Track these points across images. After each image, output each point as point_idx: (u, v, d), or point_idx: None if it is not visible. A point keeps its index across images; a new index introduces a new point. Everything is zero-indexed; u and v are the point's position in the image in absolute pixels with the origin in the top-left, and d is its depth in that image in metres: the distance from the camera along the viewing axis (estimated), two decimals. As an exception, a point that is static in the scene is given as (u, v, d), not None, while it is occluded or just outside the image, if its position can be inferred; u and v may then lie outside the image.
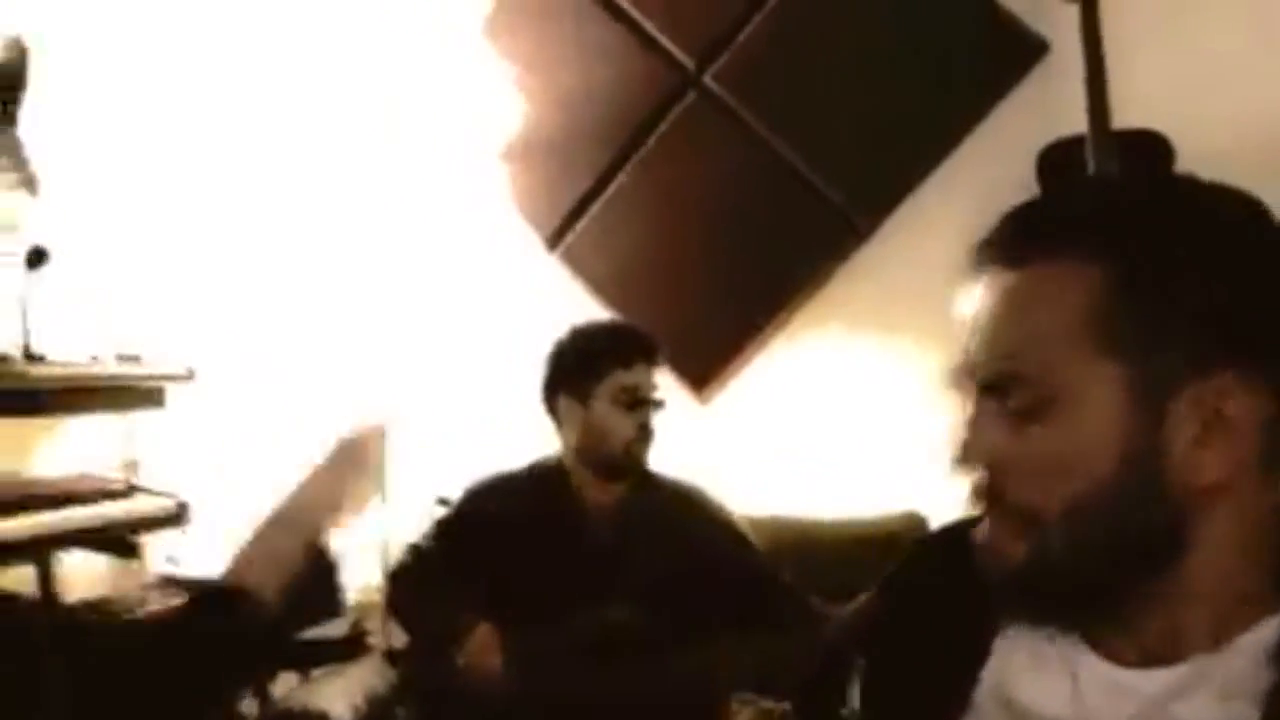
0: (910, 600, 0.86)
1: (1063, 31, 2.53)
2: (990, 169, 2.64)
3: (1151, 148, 2.47)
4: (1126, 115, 2.46)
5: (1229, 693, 0.69)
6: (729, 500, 2.30)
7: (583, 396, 2.17)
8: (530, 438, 2.96)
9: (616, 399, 2.14)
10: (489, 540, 2.17)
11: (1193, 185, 0.74)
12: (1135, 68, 2.47)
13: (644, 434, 2.15)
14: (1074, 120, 2.50)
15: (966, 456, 0.73)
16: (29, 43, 2.49)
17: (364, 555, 3.01)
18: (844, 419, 2.83)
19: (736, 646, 2.05)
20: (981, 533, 0.74)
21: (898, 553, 2.78)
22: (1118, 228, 0.71)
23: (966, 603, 0.80)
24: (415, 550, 2.29)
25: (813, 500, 2.71)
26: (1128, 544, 0.70)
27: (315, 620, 2.76)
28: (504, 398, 3.06)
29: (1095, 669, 0.74)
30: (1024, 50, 2.61)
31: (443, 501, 2.99)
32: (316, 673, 2.74)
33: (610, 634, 2.07)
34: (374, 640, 2.88)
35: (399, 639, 2.76)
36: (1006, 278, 0.71)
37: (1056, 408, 0.69)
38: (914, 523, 2.62)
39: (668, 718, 2.03)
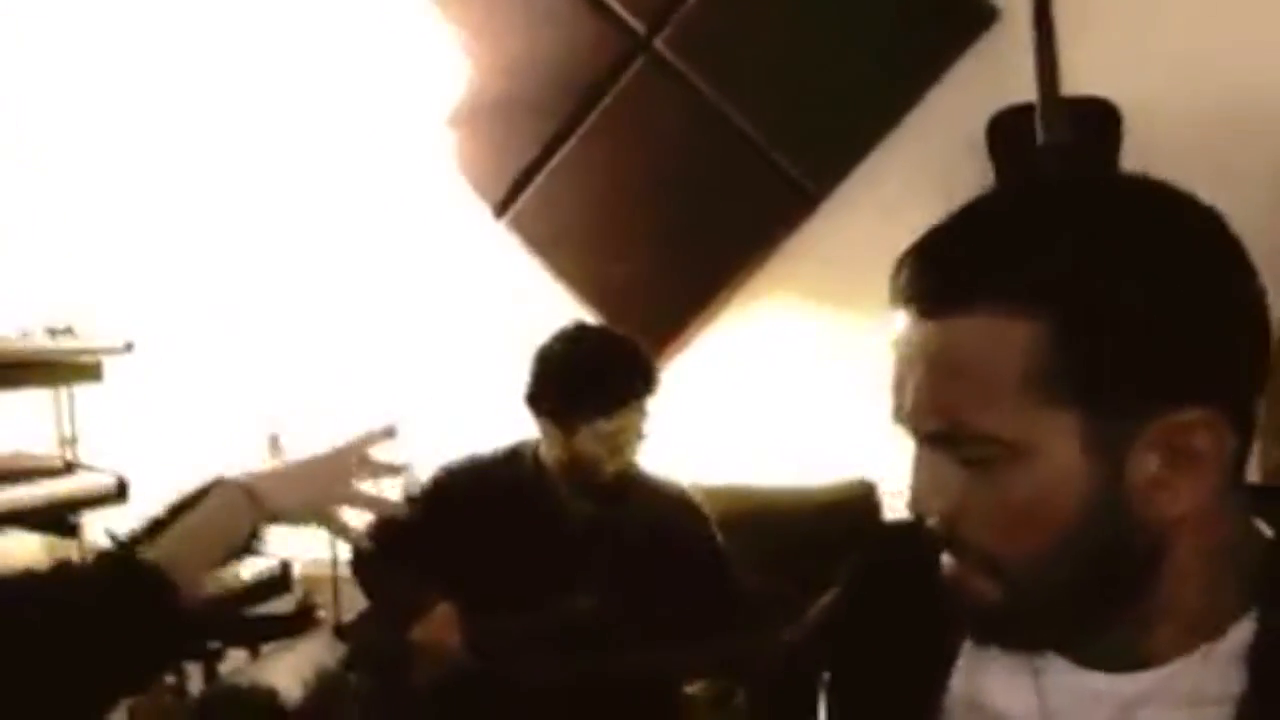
0: (875, 607, 0.85)
1: (1013, -1, 2.52)
2: (941, 136, 2.65)
3: (1100, 116, 2.48)
4: (1076, 83, 2.47)
5: (1200, 698, 0.69)
6: (680, 469, 2.29)
7: (565, 430, 2.07)
8: (479, 408, 2.94)
9: (601, 438, 2.05)
10: (458, 521, 2.13)
11: (1134, 203, 0.68)
12: (1085, 35, 2.47)
13: (628, 463, 2.10)
14: (1024, 88, 2.51)
15: (919, 504, 0.71)
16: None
17: (311, 531, 2.98)
18: (795, 387, 2.84)
19: (696, 645, 2.05)
20: (947, 566, 0.72)
21: (848, 520, 2.80)
22: (1051, 272, 0.65)
23: (933, 607, 0.79)
24: (380, 520, 2.24)
25: (763, 468, 2.71)
26: (1098, 580, 0.69)
27: (261, 597, 2.72)
28: (451, 368, 3.03)
29: (1064, 675, 0.74)
30: (974, 16, 2.60)
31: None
32: (265, 649, 2.72)
33: (573, 622, 2.06)
34: (323, 615, 2.85)
35: (348, 613, 2.74)
36: (935, 329, 0.67)
37: (1010, 461, 0.66)
38: (864, 490, 2.64)
39: (622, 706, 2.03)
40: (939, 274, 0.68)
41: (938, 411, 0.68)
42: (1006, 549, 0.68)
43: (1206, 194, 0.69)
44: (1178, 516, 0.67)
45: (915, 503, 0.72)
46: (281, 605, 2.78)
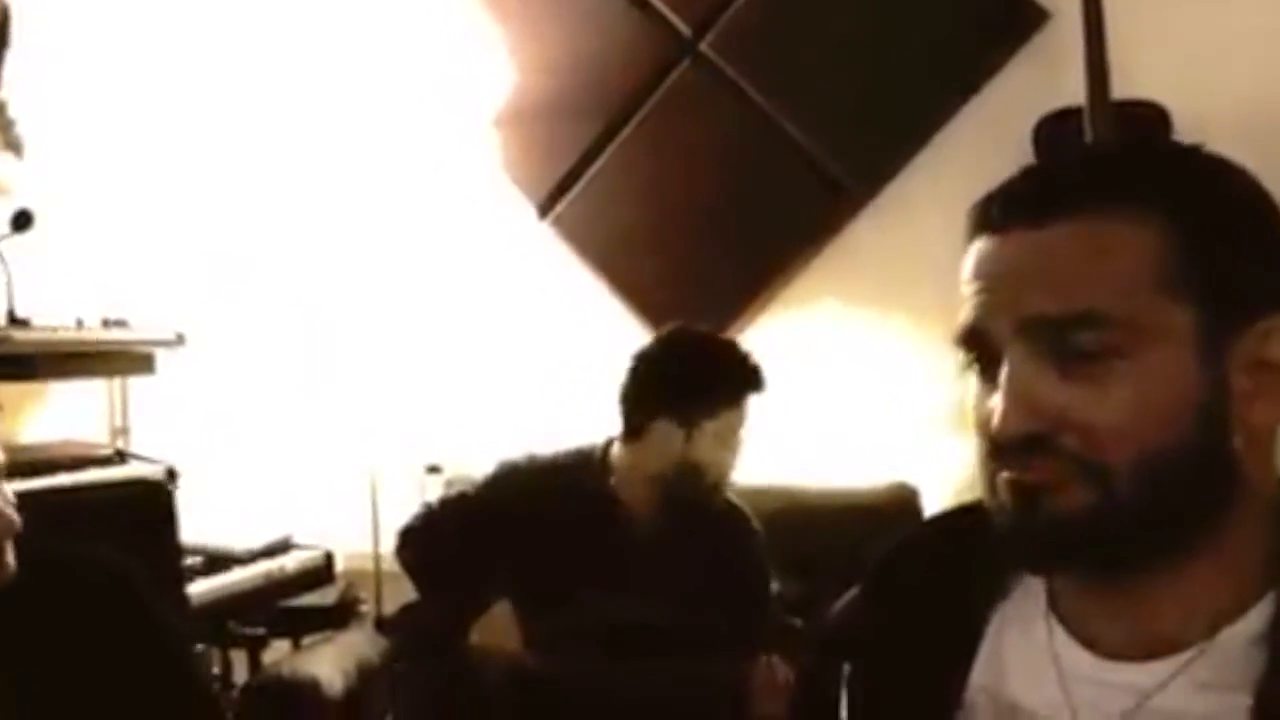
0: (897, 599, 0.84)
1: (1064, 0, 2.50)
2: (987, 138, 2.63)
3: (1150, 119, 2.45)
4: (1126, 86, 2.44)
5: (1222, 683, 0.69)
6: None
7: (688, 426, 2.07)
8: (520, 405, 2.97)
9: (722, 435, 2.06)
10: (515, 524, 2.13)
11: (1206, 151, 0.75)
12: (1135, 38, 2.45)
13: (735, 466, 2.13)
14: (1073, 90, 2.49)
15: (1018, 404, 0.68)
16: (11, 2, 2.45)
17: (354, 523, 3.03)
18: (835, 389, 2.83)
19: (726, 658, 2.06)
20: (1002, 490, 0.71)
21: (887, 523, 2.81)
22: (1173, 178, 0.72)
23: (955, 599, 0.79)
24: (429, 511, 2.26)
25: (805, 469, 2.71)
26: (1196, 489, 0.69)
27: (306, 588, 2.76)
28: (493, 366, 3.06)
29: (1085, 663, 0.74)
30: (1024, 18, 2.59)
31: (433, 469, 3.00)
32: (307, 640, 2.76)
33: (625, 628, 2.06)
34: (365, 607, 2.89)
35: (390, 606, 2.78)
36: (1059, 228, 0.69)
37: (1126, 355, 0.68)
38: (904, 493, 2.63)
39: (676, 714, 2.03)
40: (1067, 181, 0.72)
41: (1076, 295, 0.68)
42: (1115, 449, 0.68)
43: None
44: (1258, 430, 0.69)
45: (1013, 402, 0.69)
46: (324, 597, 2.81)
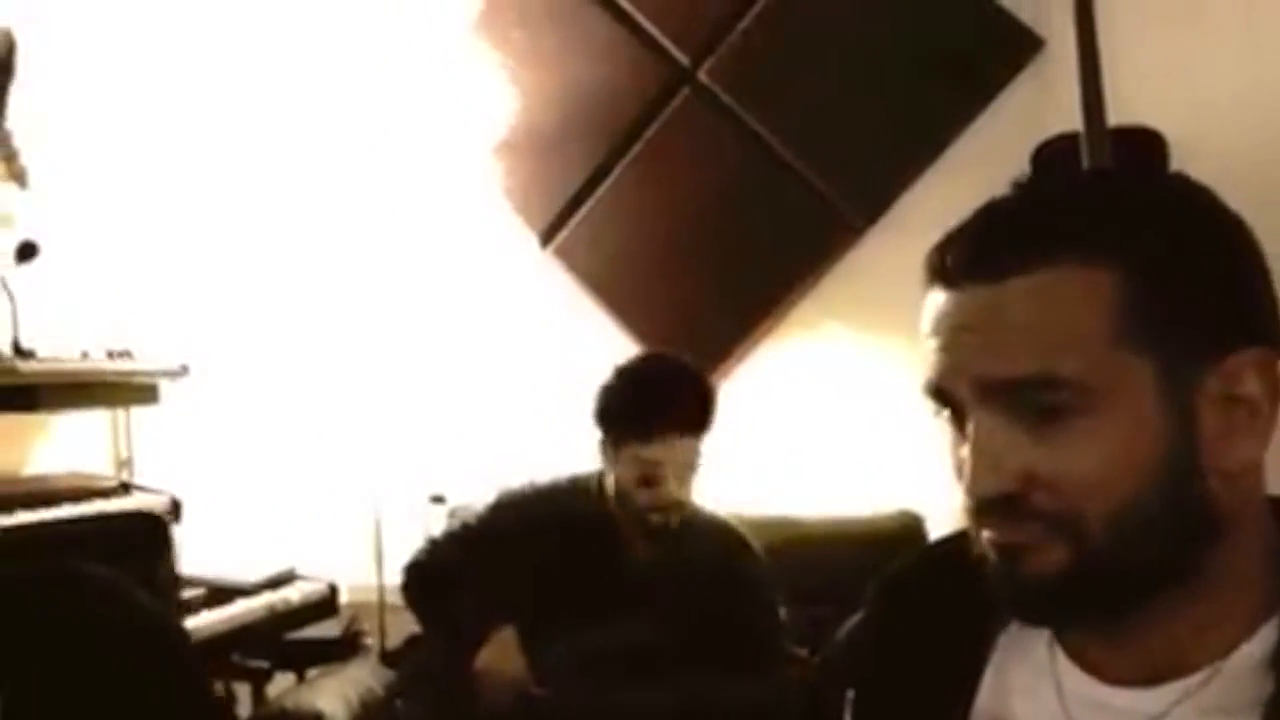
0: (900, 624, 0.84)
1: (1058, 27, 2.52)
2: (985, 165, 2.63)
3: (1147, 145, 2.46)
4: (1122, 112, 2.45)
5: (1228, 707, 0.69)
6: (722, 498, 2.29)
7: (609, 456, 2.08)
8: (522, 435, 2.97)
9: (632, 470, 2.03)
10: (517, 548, 2.12)
11: (1168, 178, 0.75)
12: (1131, 64, 2.45)
13: (662, 506, 2.06)
14: (1070, 117, 2.49)
15: (986, 466, 0.68)
16: (16, 34, 2.47)
17: (358, 555, 3.02)
18: (838, 417, 2.83)
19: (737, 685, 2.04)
20: (1000, 539, 0.70)
21: (892, 551, 2.79)
22: (1124, 223, 0.70)
23: (959, 624, 0.79)
24: (433, 545, 2.25)
25: (807, 498, 2.71)
26: (1171, 536, 0.68)
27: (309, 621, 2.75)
28: (496, 396, 3.06)
29: (1088, 688, 0.74)
30: (1019, 45, 2.61)
31: (437, 499, 2.99)
32: (312, 672, 2.74)
33: (627, 654, 2.05)
34: (369, 640, 2.87)
35: (394, 639, 2.76)
36: (1016, 283, 0.68)
37: (1089, 411, 0.67)
38: (909, 521, 2.62)
39: None
40: (1016, 233, 0.70)
41: (1033, 353, 0.67)
42: (1086, 505, 0.67)
43: (1251, 226, 0.73)
44: (1237, 469, 0.69)
45: (981, 465, 0.68)
46: (328, 629, 2.80)
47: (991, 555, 0.71)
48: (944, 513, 2.69)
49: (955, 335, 0.70)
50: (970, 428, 0.69)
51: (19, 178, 2.47)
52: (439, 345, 3.09)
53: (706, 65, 2.82)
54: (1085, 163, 2.48)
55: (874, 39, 2.70)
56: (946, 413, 0.72)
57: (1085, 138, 2.47)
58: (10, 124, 2.51)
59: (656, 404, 2.03)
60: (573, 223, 2.95)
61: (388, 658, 2.66)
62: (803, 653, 2.26)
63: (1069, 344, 0.67)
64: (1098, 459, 0.67)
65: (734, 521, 2.25)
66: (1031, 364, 0.67)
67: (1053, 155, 2.54)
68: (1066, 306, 0.68)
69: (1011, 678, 0.77)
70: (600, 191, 2.92)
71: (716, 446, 2.32)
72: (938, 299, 0.72)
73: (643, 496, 2.06)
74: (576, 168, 2.93)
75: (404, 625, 2.51)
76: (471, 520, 2.25)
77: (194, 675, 0.93)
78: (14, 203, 2.47)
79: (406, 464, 3.07)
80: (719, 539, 2.18)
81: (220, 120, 3.08)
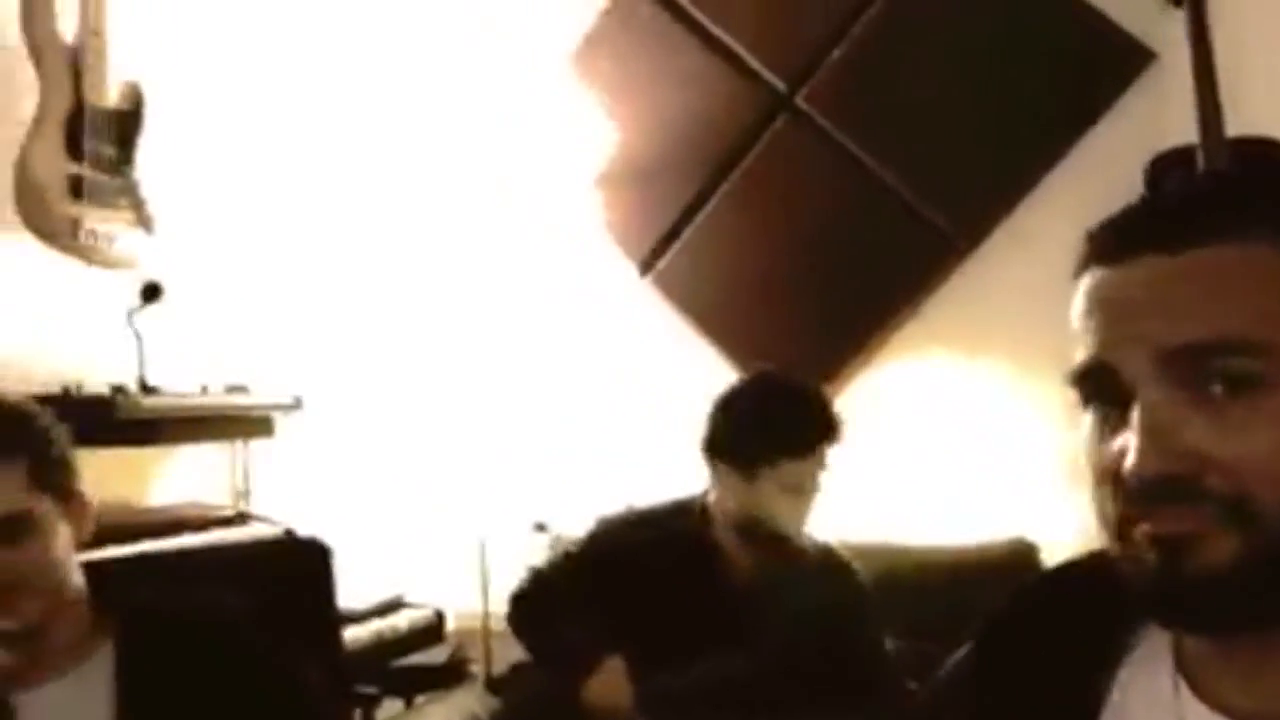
0: (1011, 660, 0.79)
1: (1170, 40, 2.44)
2: (1094, 182, 2.56)
3: (1267, 155, 2.36)
4: (1238, 123, 2.36)
5: None
6: (829, 525, 2.25)
7: (747, 475, 2.00)
8: (623, 462, 2.97)
9: (784, 486, 1.98)
10: (617, 579, 2.10)
11: None
12: (1246, 73, 2.36)
13: (803, 519, 2.04)
14: (1182, 131, 2.41)
15: (1163, 448, 0.63)
16: (144, 88, 2.60)
17: (464, 582, 3.05)
18: (945, 442, 2.76)
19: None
20: (1139, 547, 0.65)
21: (1005, 581, 2.72)
22: None
23: (1074, 662, 0.75)
24: (537, 574, 2.23)
25: (916, 526, 2.65)
26: None
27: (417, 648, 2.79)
28: (598, 424, 3.08)
29: None
30: (1130, 60, 2.53)
31: (540, 527, 3.02)
32: (419, 699, 2.77)
33: (733, 686, 2.02)
34: (475, 667, 2.90)
35: (499, 666, 2.78)
36: (1201, 254, 0.66)
37: (1276, 385, 0.63)
38: (1022, 549, 2.54)
39: None
40: (1198, 207, 0.68)
41: (1206, 321, 0.64)
42: (1259, 490, 0.63)
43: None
44: None
45: (1150, 443, 0.63)
46: (434, 656, 2.84)
47: (1146, 554, 0.65)
48: (1058, 540, 2.60)
49: (1128, 306, 0.66)
50: (1139, 405, 0.64)
51: (146, 224, 2.59)
52: (542, 374, 3.12)
53: (804, 90, 2.81)
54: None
55: (976, 56, 2.65)
56: (1093, 407, 0.68)
57: (1202, 150, 2.38)
58: (138, 173, 2.63)
59: (803, 417, 1.98)
60: (672, 251, 2.96)
61: (493, 684, 2.68)
62: (913, 686, 2.20)
63: (1263, 312, 0.64)
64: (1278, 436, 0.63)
65: (839, 548, 2.21)
66: (1219, 326, 0.64)
67: (1167, 171, 2.46)
68: (1256, 280, 0.65)
69: (1132, 713, 0.72)
70: (699, 219, 2.92)
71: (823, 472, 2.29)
72: (1099, 277, 0.69)
73: (793, 514, 2.01)
74: (675, 197, 2.94)
75: (509, 652, 2.52)
76: (573, 548, 2.25)
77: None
78: (139, 247, 2.58)
79: (511, 492, 3.10)
80: (822, 565, 2.14)
81: (333, 159, 3.18)
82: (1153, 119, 2.51)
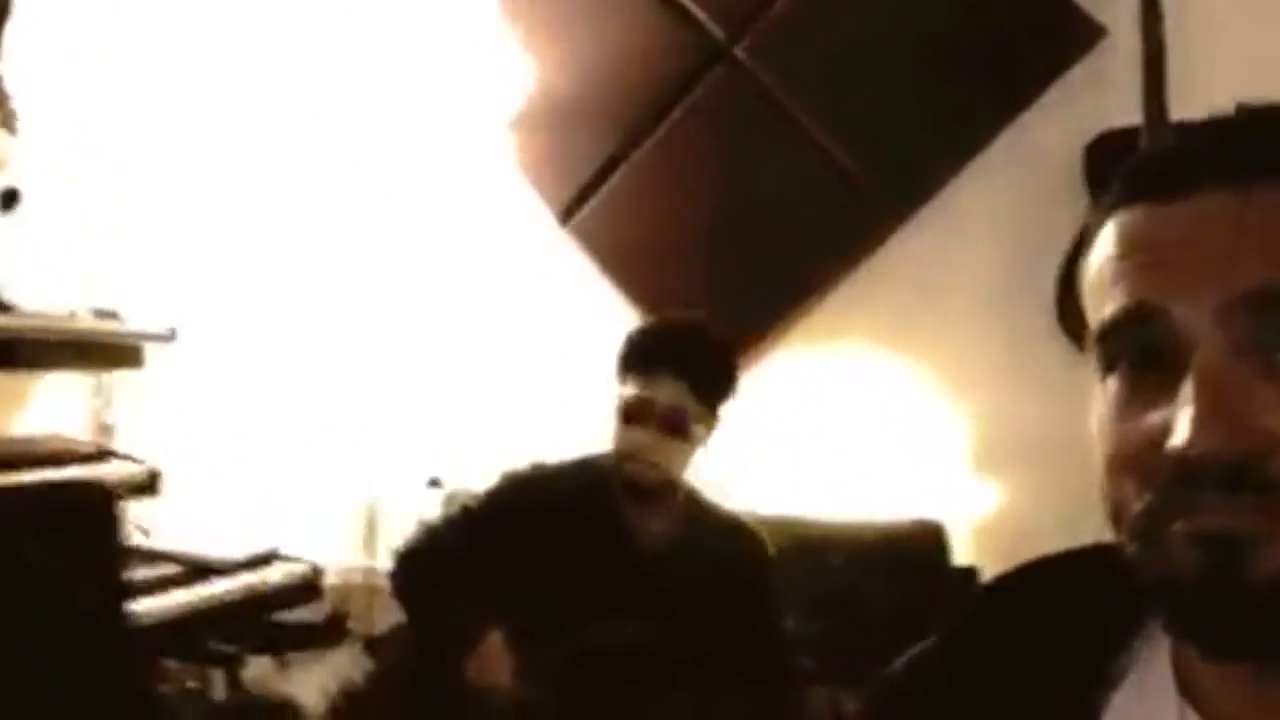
0: (984, 669, 0.66)
1: (1120, 16, 2.38)
2: (1034, 158, 2.50)
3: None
4: (1184, 107, 2.31)
5: None
6: (735, 495, 2.16)
7: (619, 402, 1.96)
8: (528, 419, 2.83)
9: (622, 406, 1.93)
10: (518, 539, 1.99)
11: None
12: (1197, 57, 2.31)
13: (641, 453, 1.92)
14: (1125, 110, 2.36)
15: (1227, 421, 0.51)
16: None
17: (344, 536, 2.88)
18: (859, 418, 2.68)
19: (734, 694, 1.93)
20: (1174, 547, 0.53)
21: (909, 560, 2.66)
22: None
23: (1058, 682, 0.62)
24: (430, 531, 2.09)
25: (823, 500, 2.57)
26: None
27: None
28: (502, 376, 2.92)
29: None
30: (1078, 33, 2.45)
31: (434, 483, 2.86)
32: (291, 658, 2.60)
33: (630, 654, 1.92)
34: (353, 625, 2.73)
35: (380, 625, 2.62)
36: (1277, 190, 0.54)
37: None
38: (930, 530, 2.48)
39: None
40: (1268, 136, 0.56)
41: None
42: None
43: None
44: None
45: (1211, 413, 0.51)
46: (310, 613, 2.66)
47: (1185, 559, 0.52)
48: (963, 524, 2.55)
49: (1187, 247, 0.54)
50: (1196, 366, 0.52)
51: (8, 123, 2.33)
52: (444, 321, 2.95)
53: (743, 42, 2.67)
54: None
55: (922, 21, 2.55)
56: (1123, 368, 0.56)
57: (1146, 133, 2.33)
58: (2, 66, 2.37)
59: (653, 339, 1.95)
60: (593, 201, 2.80)
61: (372, 645, 2.52)
62: (808, 666, 2.13)
63: None
64: None
65: (743, 516, 2.12)
66: None
67: (1108, 152, 2.40)
68: None
69: None
70: (624, 169, 2.77)
71: (734, 441, 2.20)
72: (1145, 214, 0.56)
73: (625, 438, 1.92)
74: (599, 144, 2.78)
75: (394, 612, 2.37)
76: (472, 504, 2.11)
77: (131, 675, 0.81)
78: (2, 147, 2.32)
79: (404, 443, 2.94)
80: (733, 536, 2.05)
81: (225, 79, 2.93)
82: (1095, 98, 2.45)
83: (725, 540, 2.04)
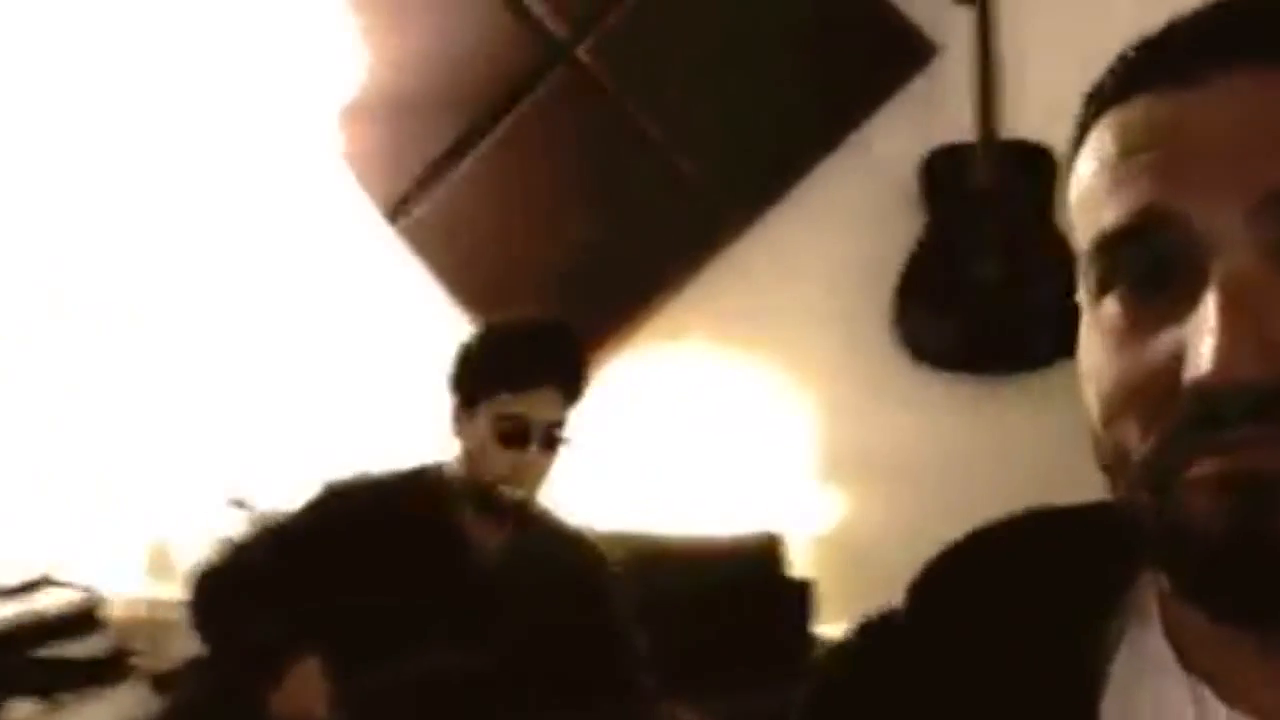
0: (965, 628, 0.55)
1: (954, 35, 2.45)
2: (873, 170, 2.53)
3: (1035, 162, 2.41)
4: (1014, 127, 2.39)
5: None
6: (571, 509, 2.04)
7: (468, 412, 1.78)
8: (346, 436, 2.62)
9: (496, 426, 1.75)
10: (340, 553, 1.79)
11: None
12: (1026, 79, 2.40)
13: (521, 474, 1.77)
14: (958, 128, 2.43)
15: (1258, 340, 0.43)
16: None
17: (128, 561, 2.58)
18: (700, 429, 2.62)
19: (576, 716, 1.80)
20: (1195, 494, 0.45)
21: (751, 576, 2.59)
22: None
23: (1050, 647, 0.52)
24: (235, 548, 1.87)
25: (661, 514, 2.48)
26: None
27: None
28: (319, 388, 2.71)
29: None
30: (913, 51, 2.51)
31: (238, 504, 2.60)
32: (65, 698, 2.28)
33: (462, 679, 1.76)
34: (138, 661, 2.43)
35: (170, 660, 2.34)
36: None
37: None
38: (768, 543, 2.43)
39: None
40: None
41: None
42: None
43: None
44: None
45: (1245, 333, 0.43)
46: (87, 647, 2.35)
47: (1206, 508, 0.44)
48: (806, 536, 2.52)
49: (1211, 137, 0.46)
50: (1219, 277, 0.44)
51: None
52: (256, 324, 2.72)
53: (586, 43, 2.61)
54: (975, 177, 2.41)
55: (764, 31, 2.56)
56: (1125, 284, 0.48)
57: (978, 151, 2.40)
58: None
59: (529, 350, 1.78)
60: (425, 199, 2.66)
61: (161, 682, 2.24)
62: (651, 686, 2.03)
63: None
64: None
65: (583, 530, 2.00)
66: None
67: (942, 167, 2.46)
68: None
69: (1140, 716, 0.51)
70: (460, 168, 2.65)
71: (570, 452, 2.08)
72: (1158, 102, 0.48)
73: (502, 460, 1.75)
74: (434, 140, 2.65)
75: (186, 646, 2.10)
76: (285, 519, 1.89)
77: None
78: None
79: (202, 460, 2.67)
80: (574, 550, 1.93)
81: (33, 58, 2.64)
82: (927, 115, 2.51)
83: (566, 555, 1.91)
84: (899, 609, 0.58)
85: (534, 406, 1.74)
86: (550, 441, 1.78)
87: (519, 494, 1.78)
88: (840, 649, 0.60)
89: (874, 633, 0.59)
